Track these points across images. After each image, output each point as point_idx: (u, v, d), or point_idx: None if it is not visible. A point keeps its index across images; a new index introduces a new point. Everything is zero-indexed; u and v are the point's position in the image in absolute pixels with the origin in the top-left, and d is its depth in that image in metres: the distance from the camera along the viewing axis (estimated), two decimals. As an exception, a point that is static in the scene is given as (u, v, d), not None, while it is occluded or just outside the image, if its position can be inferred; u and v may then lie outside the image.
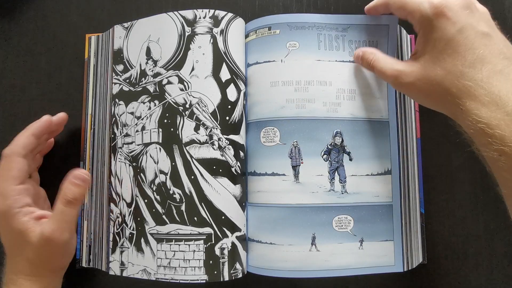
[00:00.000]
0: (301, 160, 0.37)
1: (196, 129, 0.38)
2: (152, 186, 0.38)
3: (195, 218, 0.37)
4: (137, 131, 0.40)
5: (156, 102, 0.39)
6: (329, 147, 0.37)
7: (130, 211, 0.39)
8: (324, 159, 0.37)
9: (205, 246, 0.36)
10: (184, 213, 0.37)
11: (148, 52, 0.40)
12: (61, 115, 0.40)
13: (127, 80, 0.41)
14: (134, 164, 0.39)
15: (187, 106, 0.38)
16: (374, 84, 0.38)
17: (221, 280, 0.36)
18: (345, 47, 0.38)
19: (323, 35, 0.38)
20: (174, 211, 0.37)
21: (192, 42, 0.38)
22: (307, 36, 0.38)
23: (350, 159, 0.37)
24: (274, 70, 0.38)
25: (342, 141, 0.37)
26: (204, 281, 0.36)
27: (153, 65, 0.40)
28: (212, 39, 0.38)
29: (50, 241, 0.33)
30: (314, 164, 0.37)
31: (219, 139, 0.37)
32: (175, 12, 0.39)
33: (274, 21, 0.39)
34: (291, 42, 0.38)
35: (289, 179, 0.37)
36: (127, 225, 0.39)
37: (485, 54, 0.28)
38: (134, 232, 0.39)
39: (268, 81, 0.38)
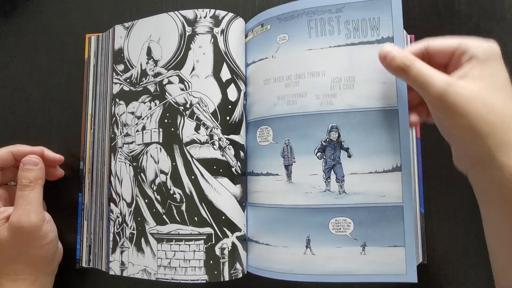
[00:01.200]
0: (293, 159, 0.35)
1: (197, 129, 0.38)
2: (152, 186, 0.38)
3: (196, 218, 0.37)
4: (137, 131, 0.40)
5: (157, 102, 0.39)
6: (323, 143, 0.34)
7: (130, 211, 0.39)
8: (318, 157, 0.35)
9: (205, 246, 0.36)
10: (185, 213, 0.37)
11: (149, 52, 0.40)
12: (58, 157, 0.40)
13: (128, 80, 0.41)
14: (134, 164, 0.39)
15: (188, 106, 0.38)
16: (378, 67, 0.32)
17: (221, 280, 0.36)
18: (340, 29, 0.35)
19: (314, 21, 0.35)
20: (175, 211, 0.37)
21: (192, 41, 0.38)
22: (296, 25, 0.36)
23: (349, 156, 0.34)
24: (266, 68, 0.37)
25: (339, 136, 0.34)
26: (204, 281, 0.36)
27: (154, 65, 0.40)
28: (212, 39, 0.38)
29: (19, 228, 0.34)
30: (307, 163, 0.35)
31: (219, 139, 0.37)
32: (176, 12, 0.39)
33: (265, 17, 0.38)
34: (281, 35, 0.37)
35: (282, 179, 0.35)
36: (127, 225, 0.39)
37: None
38: (135, 232, 0.39)
39: (262, 79, 0.37)
